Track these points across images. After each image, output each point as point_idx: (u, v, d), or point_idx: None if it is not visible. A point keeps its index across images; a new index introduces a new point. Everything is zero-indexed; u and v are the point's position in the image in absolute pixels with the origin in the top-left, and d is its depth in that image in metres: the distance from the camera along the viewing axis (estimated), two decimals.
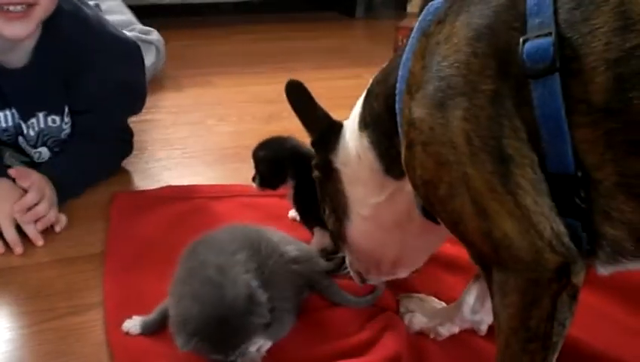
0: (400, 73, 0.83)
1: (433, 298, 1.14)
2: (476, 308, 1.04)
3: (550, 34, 0.67)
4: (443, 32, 0.77)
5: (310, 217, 1.27)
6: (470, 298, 1.04)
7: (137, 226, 1.38)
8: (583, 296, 1.11)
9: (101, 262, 1.27)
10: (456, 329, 1.07)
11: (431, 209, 0.81)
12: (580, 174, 0.68)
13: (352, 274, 1.11)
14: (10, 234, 1.33)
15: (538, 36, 0.68)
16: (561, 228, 0.71)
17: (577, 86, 0.66)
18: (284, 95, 1.01)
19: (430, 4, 0.82)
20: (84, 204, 1.49)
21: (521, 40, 0.69)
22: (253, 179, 1.29)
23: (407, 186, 0.88)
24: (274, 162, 1.27)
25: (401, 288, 1.17)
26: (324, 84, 2.51)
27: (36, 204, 1.36)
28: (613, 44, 0.64)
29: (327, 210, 1.05)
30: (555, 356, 0.76)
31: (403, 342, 1.01)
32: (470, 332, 1.07)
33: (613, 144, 0.66)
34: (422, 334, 1.07)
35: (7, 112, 1.53)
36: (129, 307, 1.12)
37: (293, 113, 1.02)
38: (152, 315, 1.06)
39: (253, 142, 1.30)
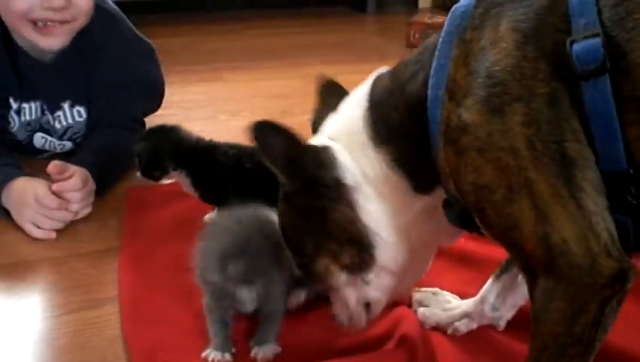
0: (432, 80, 0.80)
1: (447, 292, 1.14)
2: (497, 305, 1.04)
3: (598, 34, 0.67)
4: (485, 37, 0.76)
5: (217, 196, 1.30)
6: (491, 296, 1.04)
7: (151, 221, 1.39)
8: None
9: (116, 256, 1.28)
10: (474, 325, 1.06)
11: (479, 215, 0.78)
12: (631, 171, 0.69)
13: (355, 314, 0.96)
14: (38, 234, 1.35)
15: (585, 37, 0.68)
16: (614, 230, 0.71)
17: (626, 83, 0.67)
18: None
19: (455, 7, 0.82)
20: (98, 199, 1.49)
21: (568, 42, 0.69)
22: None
23: (436, 202, 0.87)
24: (154, 154, 1.28)
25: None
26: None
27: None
28: None
29: (338, 245, 0.91)
30: (592, 358, 0.75)
31: (417, 336, 1.01)
32: (485, 326, 1.06)
33: None
34: (436, 328, 1.07)
35: (33, 104, 1.57)
36: (144, 301, 1.13)
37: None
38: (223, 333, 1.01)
39: None
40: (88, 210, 1.43)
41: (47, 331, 1.09)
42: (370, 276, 0.93)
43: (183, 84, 2.38)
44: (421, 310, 1.09)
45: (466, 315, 1.06)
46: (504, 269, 1.03)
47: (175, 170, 1.29)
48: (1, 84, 1.53)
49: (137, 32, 1.71)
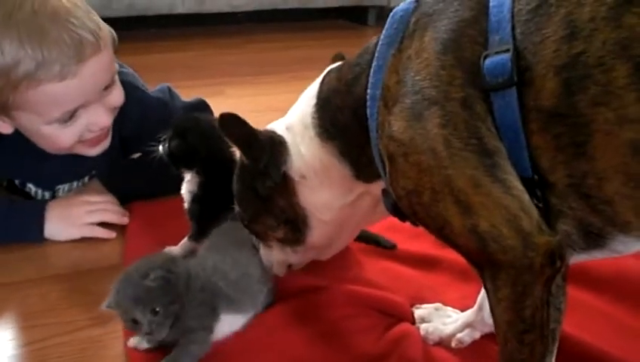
0: (371, 81, 0.85)
1: (449, 307, 1.14)
2: None
3: (509, 50, 0.71)
4: (413, 46, 0.80)
5: (204, 224, 1.27)
6: (487, 301, 1.04)
7: (155, 236, 1.39)
8: (582, 296, 1.12)
9: (119, 273, 1.27)
10: (477, 334, 1.07)
11: (416, 217, 0.83)
12: (536, 177, 0.73)
13: (277, 267, 1.14)
14: (100, 233, 1.42)
15: (498, 52, 0.72)
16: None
17: (530, 94, 0.71)
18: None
19: (395, 11, 0.87)
20: None
21: (482, 56, 0.73)
22: (162, 141, 1.27)
23: (374, 189, 0.96)
24: (186, 155, 1.26)
25: (416, 299, 1.17)
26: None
27: None
28: (561, 51, 0.68)
29: (274, 222, 1.06)
30: (555, 345, 0.76)
31: (420, 353, 1.01)
32: (487, 339, 1.06)
33: (561, 147, 0.70)
34: (440, 344, 1.07)
35: (40, 191, 1.53)
36: None
37: None
38: None
39: None
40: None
41: (51, 349, 1.09)
42: (299, 248, 1.09)
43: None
44: (424, 326, 1.09)
45: (467, 325, 1.07)
46: None
47: (198, 173, 1.28)
48: None
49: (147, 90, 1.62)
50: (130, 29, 3.35)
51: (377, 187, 0.95)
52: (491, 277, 0.75)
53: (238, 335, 1.08)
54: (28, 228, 1.40)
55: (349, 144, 0.93)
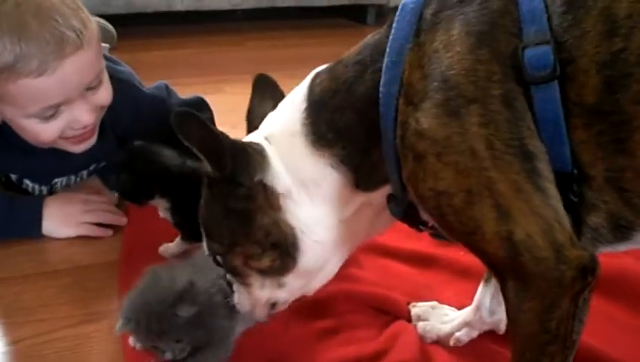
0: (385, 78, 0.79)
1: (445, 305, 1.14)
2: (493, 308, 1.04)
3: (548, 42, 0.70)
4: (438, 40, 0.76)
5: (194, 229, 1.18)
6: (486, 300, 1.04)
7: (152, 234, 1.39)
8: None
9: (115, 270, 1.28)
10: (475, 334, 1.06)
11: (441, 220, 0.78)
12: (576, 172, 0.72)
13: (258, 309, 0.96)
14: (97, 232, 1.43)
15: (536, 44, 0.70)
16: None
17: (573, 89, 0.70)
18: None
19: (403, 3, 0.82)
20: None
21: (520, 47, 0.71)
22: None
23: (376, 198, 0.88)
24: (140, 182, 1.24)
25: (412, 297, 1.17)
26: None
27: None
28: (602, 47, 0.68)
29: (258, 249, 0.89)
30: (573, 354, 0.75)
31: (417, 351, 1.01)
32: (483, 337, 1.07)
33: (602, 143, 0.70)
34: (437, 342, 1.07)
35: (37, 186, 1.53)
36: None
37: None
38: None
39: None
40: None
41: (47, 344, 1.09)
42: (287, 279, 0.91)
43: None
44: (421, 324, 1.09)
45: (466, 324, 1.06)
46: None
47: (161, 196, 1.26)
48: None
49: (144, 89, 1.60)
50: (128, 27, 3.35)
51: (379, 195, 0.87)
52: (517, 288, 0.73)
53: None
54: (28, 225, 1.41)
55: (351, 148, 0.84)
